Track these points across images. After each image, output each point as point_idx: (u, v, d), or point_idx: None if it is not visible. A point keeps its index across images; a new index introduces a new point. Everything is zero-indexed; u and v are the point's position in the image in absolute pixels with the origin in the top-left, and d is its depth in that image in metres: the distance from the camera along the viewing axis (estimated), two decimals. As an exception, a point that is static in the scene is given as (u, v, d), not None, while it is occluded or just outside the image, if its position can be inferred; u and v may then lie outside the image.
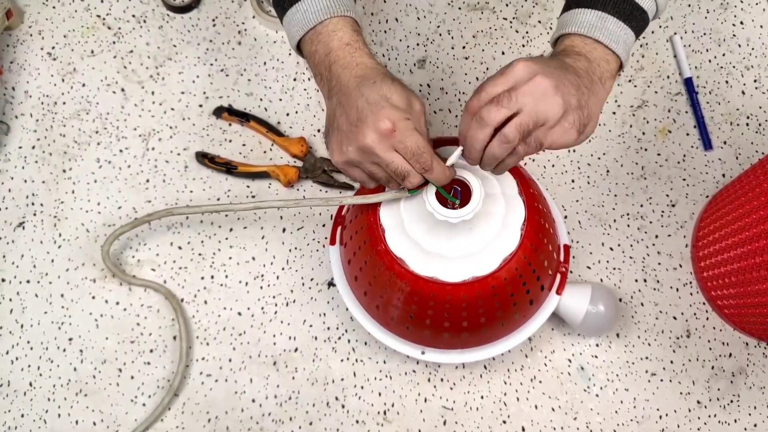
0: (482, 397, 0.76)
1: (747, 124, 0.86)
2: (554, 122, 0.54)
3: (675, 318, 0.79)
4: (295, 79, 0.86)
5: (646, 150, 0.84)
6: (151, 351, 0.77)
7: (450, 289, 0.65)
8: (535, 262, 0.67)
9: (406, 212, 0.65)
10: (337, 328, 0.78)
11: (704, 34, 0.89)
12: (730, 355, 0.78)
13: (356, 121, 0.56)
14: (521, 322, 0.72)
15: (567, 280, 0.73)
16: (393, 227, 0.65)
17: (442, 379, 0.77)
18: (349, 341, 0.78)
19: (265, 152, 0.84)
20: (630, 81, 0.87)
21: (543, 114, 0.54)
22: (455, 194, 0.63)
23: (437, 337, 0.71)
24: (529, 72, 0.54)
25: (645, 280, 0.80)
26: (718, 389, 0.77)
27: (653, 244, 0.81)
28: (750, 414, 0.76)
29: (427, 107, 0.84)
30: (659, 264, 0.80)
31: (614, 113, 0.86)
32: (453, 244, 0.64)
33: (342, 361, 0.77)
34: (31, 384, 0.76)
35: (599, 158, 0.84)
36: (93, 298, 0.79)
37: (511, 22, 0.89)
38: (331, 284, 0.79)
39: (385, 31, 0.89)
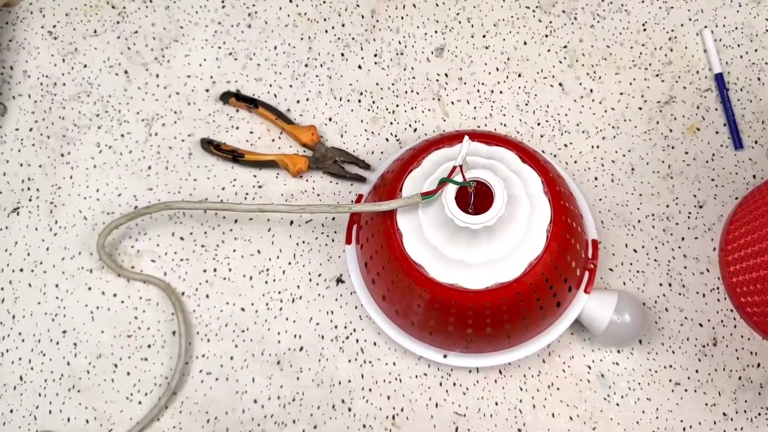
0: (497, 404, 0.72)
1: (779, 124, 0.82)
2: None
3: (701, 325, 0.75)
4: (306, 65, 0.83)
5: (673, 148, 0.81)
6: (149, 346, 0.74)
7: (472, 297, 0.62)
8: (561, 264, 0.63)
9: (424, 217, 0.62)
10: (345, 327, 0.74)
11: (736, 28, 0.85)
12: (759, 365, 0.74)
13: None
14: (548, 324, 0.69)
15: (595, 276, 0.70)
16: (411, 232, 0.62)
17: (454, 384, 0.73)
18: (357, 341, 0.74)
19: (273, 140, 0.80)
20: (657, 76, 0.83)
21: None
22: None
23: (460, 343, 0.68)
24: None
25: (670, 285, 0.76)
26: (746, 401, 0.73)
27: (679, 247, 0.77)
28: (779, 428, 0.72)
29: (444, 97, 0.80)
30: (685, 268, 0.77)
31: (640, 109, 0.82)
32: (475, 250, 0.61)
33: (350, 361, 0.73)
34: (21, 378, 0.73)
35: (624, 155, 0.80)
36: (89, 289, 0.75)
37: (534, 10, 0.85)
38: (339, 281, 0.76)
39: (402, 17, 0.85)
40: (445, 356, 0.70)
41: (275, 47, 0.83)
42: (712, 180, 0.80)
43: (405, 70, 0.83)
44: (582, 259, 0.69)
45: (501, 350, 0.70)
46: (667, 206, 0.79)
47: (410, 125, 0.81)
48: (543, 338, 0.69)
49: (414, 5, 0.85)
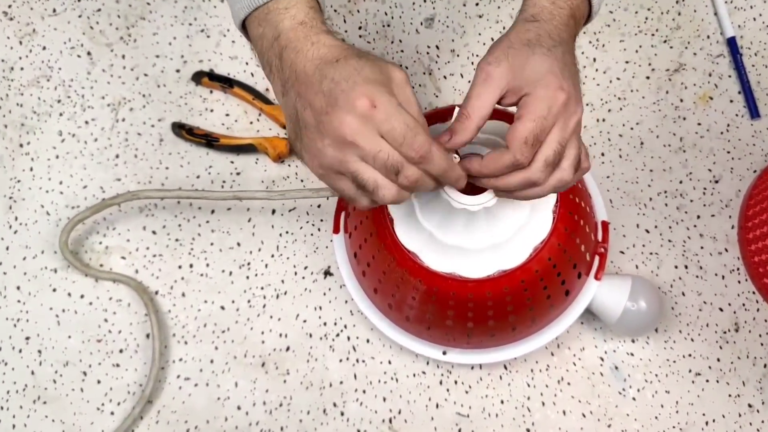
0: (502, 402, 0.67)
1: (798, 90, 0.77)
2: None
3: (721, 309, 0.70)
4: (285, 41, 0.77)
5: (684, 119, 0.75)
6: (121, 351, 0.68)
7: (472, 286, 0.57)
8: (570, 248, 0.58)
9: (417, 199, 0.57)
10: (335, 324, 0.69)
11: (748, -12, 0.80)
12: (785, 351, 0.69)
13: (326, 107, 0.44)
14: (556, 314, 0.63)
15: (606, 261, 0.64)
16: (403, 217, 0.57)
17: (456, 382, 0.67)
18: (348, 338, 0.69)
19: (251, 123, 0.75)
20: (665, 42, 0.78)
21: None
22: None
23: (460, 338, 0.63)
24: (562, 99, 0.46)
25: (686, 267, 0.71)
26: (772, 391, 0.68)
27: (695, 226, 0.72)
28: (809, 419, 0.67)
29: (436, 71, 0.74)
30: (702, 248, 0.72)
31: (648, 78, 0.77)
32: (474, 234, 0.56)
33: (341, 361, 0.68)
34: (-19, 390, 0.68)
35: (632, 128, 0.75)
36: (54, 290, 0.70)
37: (529, -25, 0.80)
38: (327, 273, 0.70)
39: (388, -14, 0.79)
40: (444, 353, 0.64)
41: (251, 22, 0.78)
42: (728, 152, 0.75)
43: (392, 42, 0.78)
44: (592, 243, 0.63)
45: (505, 344, 0.64)
46: (681, 182, 0.74)
47: (400, 102, 0.75)
48: (551, 330, 0.64)
49: (400, -27, 0.80)
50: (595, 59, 0.77)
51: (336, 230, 0.67)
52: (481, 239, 0.56)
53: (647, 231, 0.72)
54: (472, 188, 0.54)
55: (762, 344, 0.69)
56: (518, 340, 0.64)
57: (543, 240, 0.57)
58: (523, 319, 0.61)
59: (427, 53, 0.77)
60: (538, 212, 0.57)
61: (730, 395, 0.68)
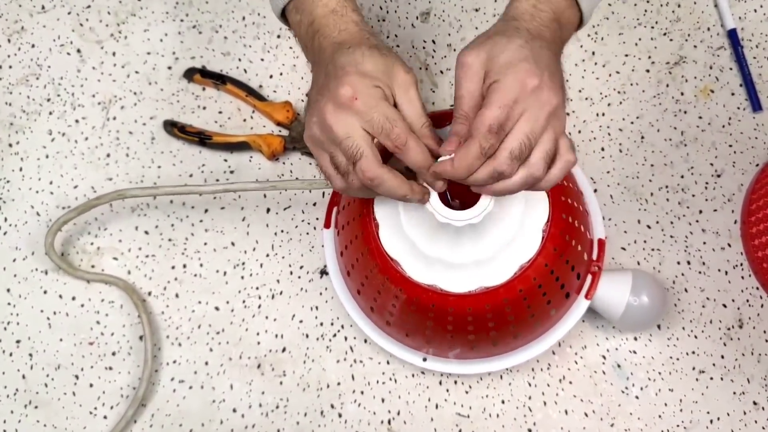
0: (503, 402, 0.66)
1: (800, 82, 0.75)
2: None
3: (725, 306, 0.69)
4: (279, 36, 0.76)
5: (685, 113, 0.74)
6: (114, 354, 0.67)
7: (453, 301, 0.55)
8: (558, 268, 0.57)
9: (403, 208, 0.55)
10: (332, 324, 0.68)
11: (748, -21, 0.79)
12: (790, 347, 0.68)
13: (320, 89, 0.49)
14: (540, 332, 0.62)
15: (599, 279, 0.63)
16: (388, 223, 0.56)
17: (456, 382, 0.66)
18: (345, 339, 0.67)
19: (245, 120, 0.73)
20: (665, 34, 0.76)
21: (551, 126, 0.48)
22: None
23: (439, 348, 0.62)
24: (532, 86, 0.45)
25: (689, 263, 0.70)
26: (778, 388, 0.67)
27: (697, 221, 0.71)
28: (815, 416, 0.66)
29: (432, 66, 0.73)
30: (704, 243, 0.71)
31: (648, 71, 0.75)
32: (458, 249, 0.54)
33: (338, 362, 0.67)
34: (-29, 395, 0.66)
35: (632, 122, 0.74)
36: (45, 292, 0.69)
37: (527, -32, 0.78)
38: (324, 273, 0.69)
39: (383, -20, 0.78)
40: (424, 359, 0.63)
41: (243, 18, 0.77)
42: (730, 146, 0.74)
43: (388, 37, 0.76)
44: (584, 263, 0.62)
45: (486, 357, 0.63)
46: (682, 177, 0.72)
47: (396, 98, 0.74)
48: (536, 346, 0.63)
49: (395, -34, 0.78)
50: (594, 53, 0.76)
51: (327, 225, 0.66)
52: (464, 254, 0.55)
53: (648, 227, 0.71)
54: (464, 200, 0.53)
55: (767, 340, 0.68)
56: (500, 354, 0.63)
57: (530, 259, 0.55)
58: (504, 335, 0.60)
59: (423, 48, 0.76)
60: (526, 230, 0.56)
61: (734, 393, 0.67)
